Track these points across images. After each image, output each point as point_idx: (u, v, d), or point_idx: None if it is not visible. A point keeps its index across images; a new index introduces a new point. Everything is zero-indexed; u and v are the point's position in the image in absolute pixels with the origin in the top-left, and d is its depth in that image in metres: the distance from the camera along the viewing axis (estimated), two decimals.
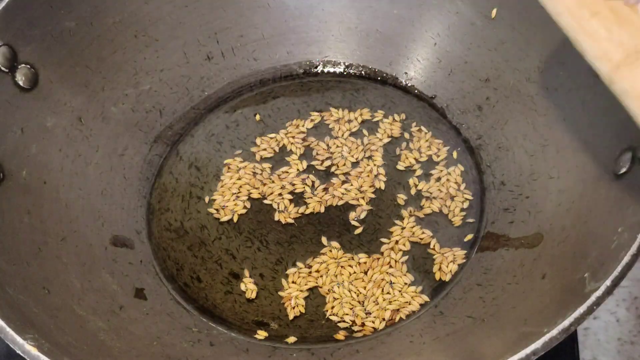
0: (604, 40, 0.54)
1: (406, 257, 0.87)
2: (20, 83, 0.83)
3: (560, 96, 0.86)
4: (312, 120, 1.01)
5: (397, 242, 0.88)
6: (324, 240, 0.88)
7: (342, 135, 0.99)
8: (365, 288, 0.84)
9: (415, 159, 0.95)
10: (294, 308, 0.83)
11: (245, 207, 0.93)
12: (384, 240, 0.88)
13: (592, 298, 0.60)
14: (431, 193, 0.92)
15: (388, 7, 1.04)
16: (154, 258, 0.90)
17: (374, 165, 0.95)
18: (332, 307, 0.83)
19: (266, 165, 0.96)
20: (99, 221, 0.89)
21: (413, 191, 0.93)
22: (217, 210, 0.93)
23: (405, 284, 0.84)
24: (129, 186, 0.95)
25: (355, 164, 0.96)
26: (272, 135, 1.00)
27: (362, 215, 0.91)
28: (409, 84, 1.04)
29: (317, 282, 0.85)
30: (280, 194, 0.93)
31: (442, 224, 0.90)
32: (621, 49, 0.54)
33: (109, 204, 0.91)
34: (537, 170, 0.88)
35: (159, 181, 0.97)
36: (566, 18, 0.56)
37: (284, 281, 0.86)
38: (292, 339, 0.81)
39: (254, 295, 0.85)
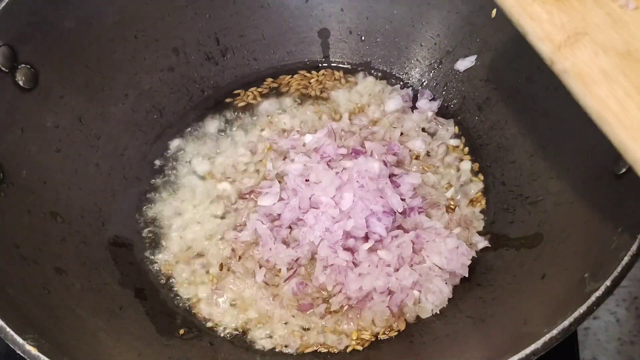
0: (546, 23, 0.57)
1: None
2: (20, 83, 0.83)
3: (560, 96, 0.85)
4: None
5: None
6: None
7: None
8: None
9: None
10: None
11: None
12: None
13: (592, 298, 0.60)
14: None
15: (388, 7, 1.04)
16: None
17: None
18: None
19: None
20: (99, 221, 0.89)
21: None
22: None
23: None
24: (129, 186, 0.95)
25: None
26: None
27: None
28: (409, 84, 1.04)
29: None
30: None
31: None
32: (562, 31, 0.57)
33: (109, 204, 0.92)
34: (537, 170, 0.88)
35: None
36: (510, 3, 0.59)
37: None
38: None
39: None
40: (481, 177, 0.94)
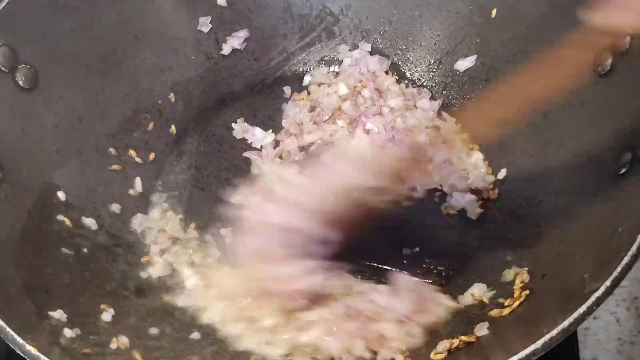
0: None
1: None
2: (20, 83, 0.83)
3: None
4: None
5: None
6: None
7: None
8: None
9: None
10: None
11: None
12: None
13: (592, 298, 0.60)
14: None
15: (388, 7, 1.04)
16: None
17: None
18: None
19: None
20: (99, 222, 0.89)
21: None
22: None
23: None
24: (129, 186, 0.95)
25: None
26: None
27: None
28: (409, 84, 1.04)
29: None
30: None
31: None
32: None
33: (108, 204, 0.91)
34: (537, 170, 0.88)
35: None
36: None
37: None
38: None
39: None
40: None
